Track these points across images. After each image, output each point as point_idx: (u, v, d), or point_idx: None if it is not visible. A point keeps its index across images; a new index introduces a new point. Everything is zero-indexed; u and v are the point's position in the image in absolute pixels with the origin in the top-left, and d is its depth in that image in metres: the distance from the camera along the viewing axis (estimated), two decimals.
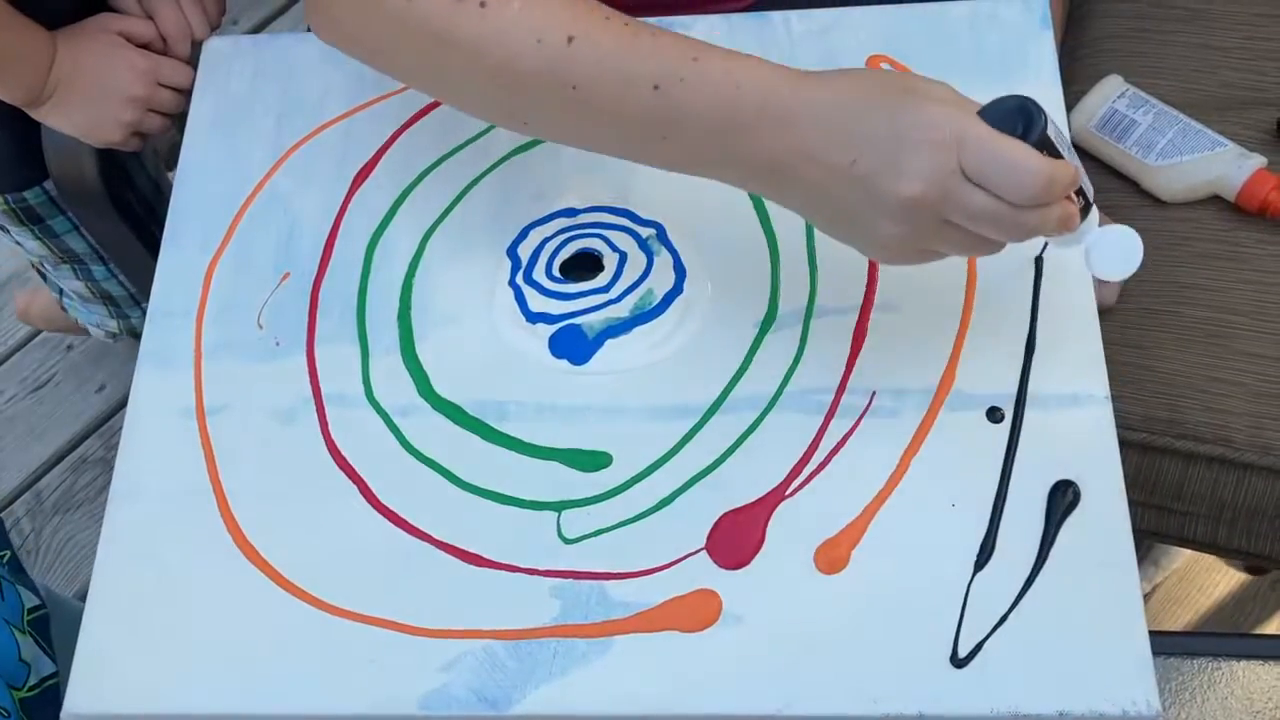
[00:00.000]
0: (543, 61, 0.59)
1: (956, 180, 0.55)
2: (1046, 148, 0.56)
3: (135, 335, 1.17)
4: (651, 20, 0.81)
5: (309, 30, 0.72)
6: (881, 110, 0.56)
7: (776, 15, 0.81)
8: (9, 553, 0.87)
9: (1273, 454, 0.86)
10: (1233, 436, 0.86)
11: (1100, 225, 0.61)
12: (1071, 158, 0.58)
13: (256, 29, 1.77)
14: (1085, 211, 0.60)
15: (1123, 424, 0.86)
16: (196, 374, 0.72)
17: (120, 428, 0.72)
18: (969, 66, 0.78)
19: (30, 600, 0.86)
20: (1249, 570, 1.30)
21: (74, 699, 0.64)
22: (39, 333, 1.61)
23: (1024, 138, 0.55)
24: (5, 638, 0.77)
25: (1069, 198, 0.58)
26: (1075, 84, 1.01)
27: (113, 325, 1.19)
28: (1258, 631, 1.31)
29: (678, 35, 0.60)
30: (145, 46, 0.87)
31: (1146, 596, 1.32)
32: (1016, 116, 0.56)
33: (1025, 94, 0.56)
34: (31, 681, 0.83)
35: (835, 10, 0.81)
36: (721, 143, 0.59)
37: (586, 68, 0.59)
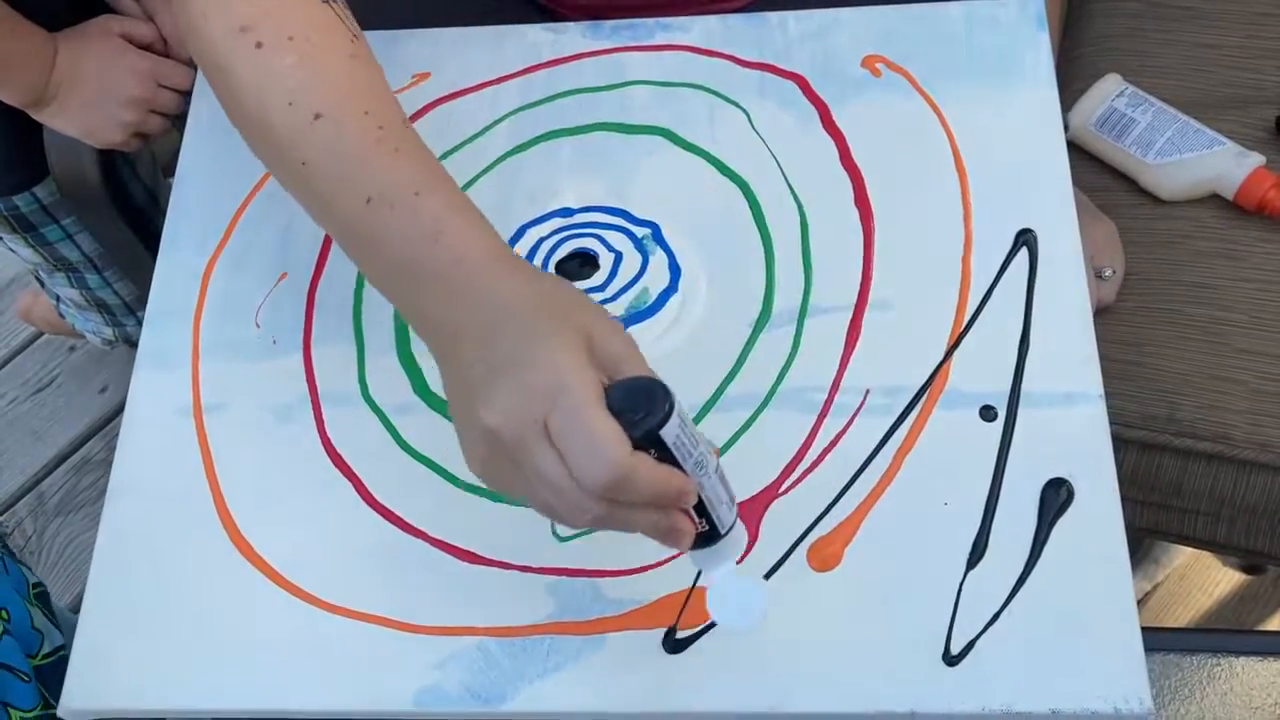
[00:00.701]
0: (286, 126, 0.58)
1: (534, 432, 0.49)
2: (657, 446, 0.49)
3: (131, 344, 1.17)
4: (650, 21, 0.82)
5: None
6: (521, 330, 0.51)
7: (774, 16, 0.82)
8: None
9: (1271, 451, 0.86)
10: (1231, 434, 0.86)
11: (738, 571, 0.55)
12: (700, 474, 0.51)
13: None
14: (711, 538, 0.53)
15: (1121, 421, 0.87)
16: (194, 373, 0.73)
17: None
18: (965, 67, 0.78)
19: (31, 577, 0.87)
20: (1246, 570, 1.30)
21: (70, 696, 0.64)
22: (41, 335, 1.62)
23: (633, 423, 0.49)
24: (18, 606, 0.78)
25: (688, 514, 0.51)
26: (1074, 83, 1.01)
27: (109, 333, 1.19)
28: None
29: (426, 161, 0.58)
30: (146, 48, 0.88)
31: (1148, 595, 1.31)
32: (640, 400, 0.49)
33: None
34: (45, 650, 0.84)
35: (832, 11, 0.81)
36: (398, 281, 0.57)
37: (318, 151, 0.57)
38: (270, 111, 0.58)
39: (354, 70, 0.60)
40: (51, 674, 0.82)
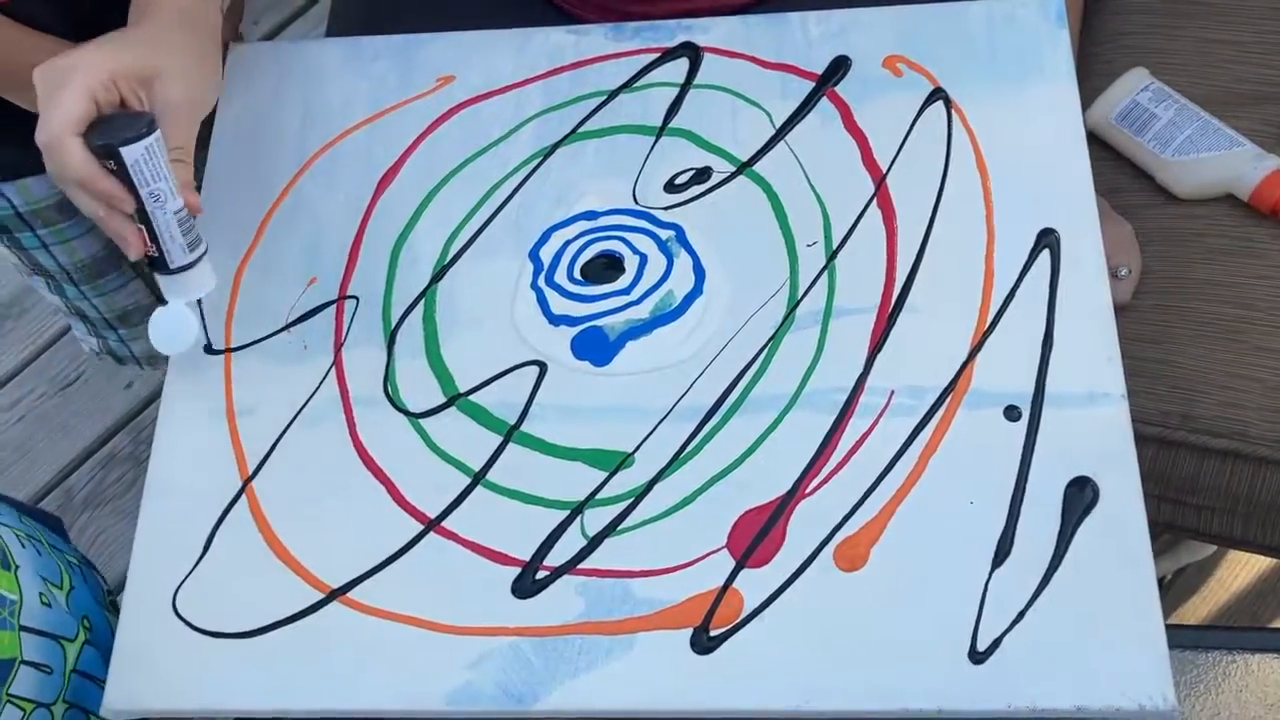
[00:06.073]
0: None
1: (47, 87, 0.64)
2: (116, 160, 0.63)
3: (113, 356, 1.15)
4: (671, 23, 0.83)
5: (329, 34, 0.73)
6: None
7: (794, 16, 0.82)
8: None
9: None
10: (1248, 430, 0.87)
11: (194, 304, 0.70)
12: (154, 205, 0.65)
13: (276, 30, 1.79)
14: (161, 266, 0.67)
15: (1138, 418, 0.87)
16: (226, 376, 0.74)
17: (149, 424, 0.73)
18: (985, 66, 0.78)
19: (104, 584, 0.89)
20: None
21: (112, 697, 0.65)
22: (67, 331, 1.63)
23: (101, 131, 0.62)
24: (99, 615, 0.78)
25: (141, 235, 0.66)
26: (1092, 80, 1.01)
27: (93, 342, 1.17)
28: (1276, 625, 1.31)
29: None
30: None
31: (1166, 588, 1.32)
32: (127, 122, 0.63)
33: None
34: None
35: (852, 11, 0.82)
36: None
37: None
38: None
39: None
40: None
